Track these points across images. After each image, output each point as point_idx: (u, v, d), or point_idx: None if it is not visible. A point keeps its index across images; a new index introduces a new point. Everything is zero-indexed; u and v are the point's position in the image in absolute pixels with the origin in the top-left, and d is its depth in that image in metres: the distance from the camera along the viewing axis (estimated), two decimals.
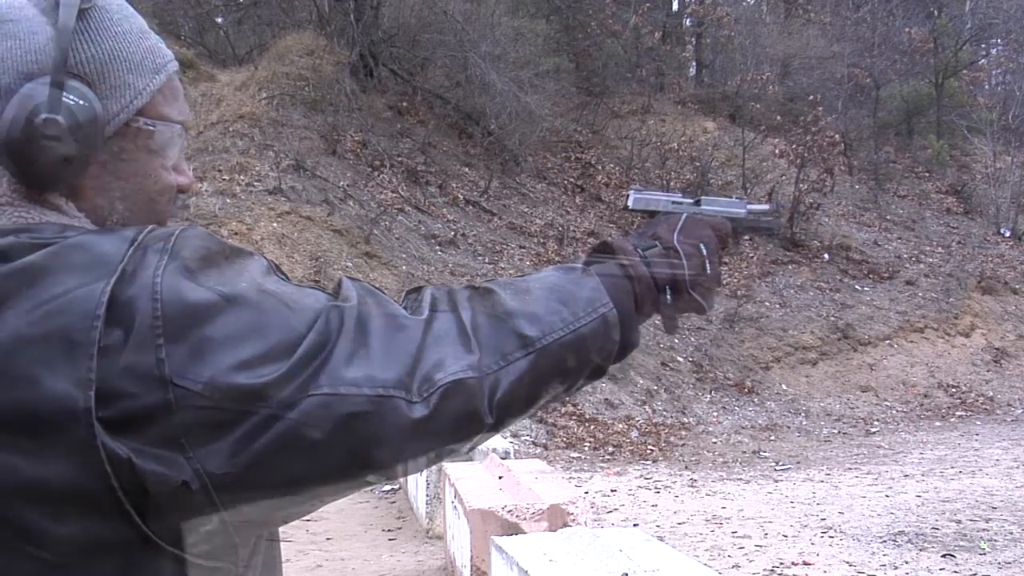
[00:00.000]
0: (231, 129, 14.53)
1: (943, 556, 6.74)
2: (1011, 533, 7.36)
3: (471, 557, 5.36)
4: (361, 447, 0.86)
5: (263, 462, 0.82)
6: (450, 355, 0.90)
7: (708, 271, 1.12)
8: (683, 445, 11.68)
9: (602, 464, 10.69)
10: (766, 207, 1.30)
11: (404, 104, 16.69)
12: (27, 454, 0.79)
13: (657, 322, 1.15)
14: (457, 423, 0.90)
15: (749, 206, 1.29)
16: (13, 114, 0.90)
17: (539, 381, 0.96)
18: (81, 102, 0.92)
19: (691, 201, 1.25)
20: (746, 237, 1.43)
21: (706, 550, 7.01)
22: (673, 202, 1.23)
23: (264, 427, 0.82)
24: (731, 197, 1.34)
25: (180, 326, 0.81)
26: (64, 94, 0.91)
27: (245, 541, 0.89)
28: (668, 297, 1.09)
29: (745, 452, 11.59)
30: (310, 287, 0.91)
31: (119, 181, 0.96)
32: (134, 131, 0.96)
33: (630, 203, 1.22)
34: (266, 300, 0.86)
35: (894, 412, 13.68)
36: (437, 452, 0.92)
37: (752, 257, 15.65)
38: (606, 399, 11.98)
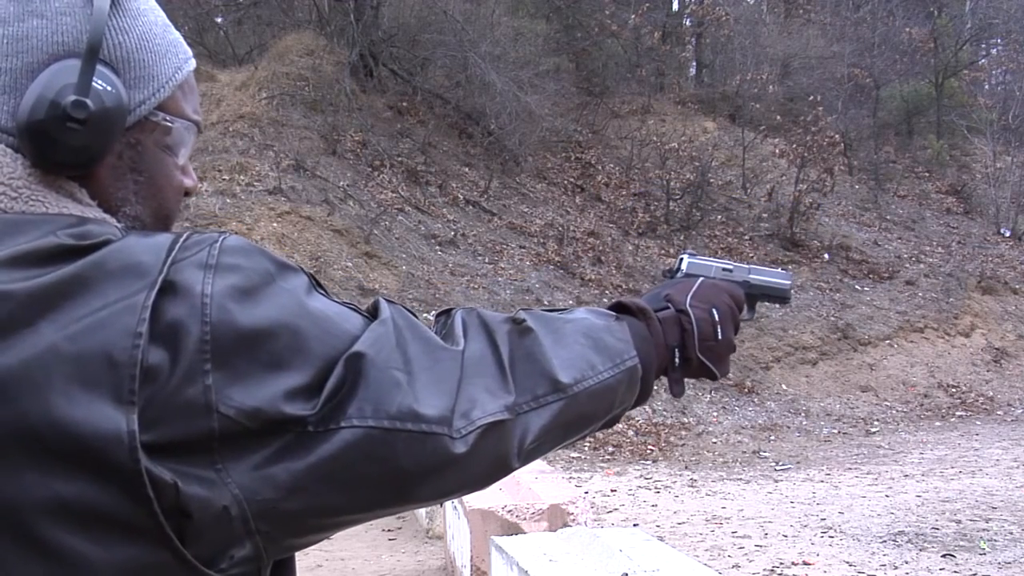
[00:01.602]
0: (231, 129, 14.53)
1: (943, 556, 6.74)
2: (1011, 533, 7.36)
3: (471, 557, 5.36)
4: (400, 482, 0.86)
5: (301, 489, 0.82)
6: (488, 392, 0.90)
7: (719, 336, 1.12)
8: (683, 445, 11.68)
9: (602, 464, 10.70)
10: (790, 281, 1.31)
11: (404, 104, 16.68)
12: (63, 474, 0.77)
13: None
14: (489, 464, 0.91)
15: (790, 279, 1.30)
16: (39, 93, 0.87)
17: (564, 428, 0.96)
18: (109, 88, 0.89)
19: (745, 268, 1.25)
20: (761, 304, 1.39)
21: (706, 550, 7.01)
22: (724, 268, 1.23)
23: (304, 454, 0.82)
24: (777, 268, 1.34)
25: (228, 352, 0.80)
26: (94, 78, 0.88)
27: (271, 561, 0.89)
28: (677, 360, 1.10)
29: (745, 452, 11.59)
30: (349, 307, 0.90)
31: (133, 173, 0.94)
32: (152, 125, 0.95)
33: (684, 267, 1.21)
34: (310, 324, 0.84)
35: (894, 412, 13.67)
36: (466, 491, 0.93)
37: (752, 257, 15.64)
38: None
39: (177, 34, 1.00)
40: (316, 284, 0.90)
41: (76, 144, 0.88)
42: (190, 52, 1.01)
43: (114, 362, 0.78)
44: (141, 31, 0.94)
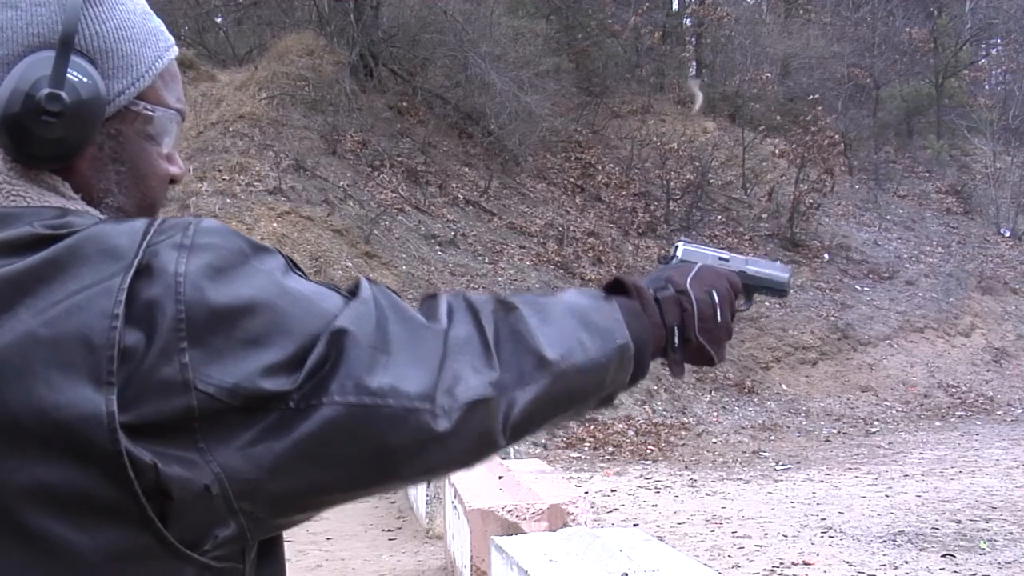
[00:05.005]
0: (231, 129, 14.54)
1: (943, 556, 6.74)
2: (1011, 533, 7.36)
3: (471, 557, 5.36)
4: (383, 459, 0.85)
5: (284, 468, 0.81)
6: (472, 369, 0.89)
7: (719, 319, 1.12)
8: (683, 445, 11.68)
9: (602, 464, 10.70)
10: (788, 274, 1.31)
11: (404, 104, 16.69)
12: (45, 459, 0.77)
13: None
14: (474, 441, 0.89)
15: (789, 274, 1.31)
16: (13, 87, 0.86)
17: (551, 404, 0.95)
18: (85, 79, 0.88)
19: (741, 259, 1.26)
20: (757, 296, 1.41)
21: (706, 550, 7.01)
22: (720, 258, 1.23)
23: (286, 433, 0.81)
24: (776, 261, 1.35)
25: (204, 329, 0.80)
26: (68, 70, 0.87)
27: (256, 542, 0.88)
28: (676, 340, 1.10)
29: (745, 452, 11.59)
30: (328, 287, 0.89)
31: (115, 164, 0.93)
32: (133, 115, 0.94)
33: (679, 254, 1.22)
34: (287, 302, 0.84)
35: (894, 412, 13.68)
36: (451, 468, 0.92)
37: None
38: None
39: (158, 22, 0.98)
40: (293, 265, 0.89)
41: (52, 137, 0.87)
42: (172, 40, 0.99)
43: (92, 345, 0.77)
44: (119, 20, 0.93)
